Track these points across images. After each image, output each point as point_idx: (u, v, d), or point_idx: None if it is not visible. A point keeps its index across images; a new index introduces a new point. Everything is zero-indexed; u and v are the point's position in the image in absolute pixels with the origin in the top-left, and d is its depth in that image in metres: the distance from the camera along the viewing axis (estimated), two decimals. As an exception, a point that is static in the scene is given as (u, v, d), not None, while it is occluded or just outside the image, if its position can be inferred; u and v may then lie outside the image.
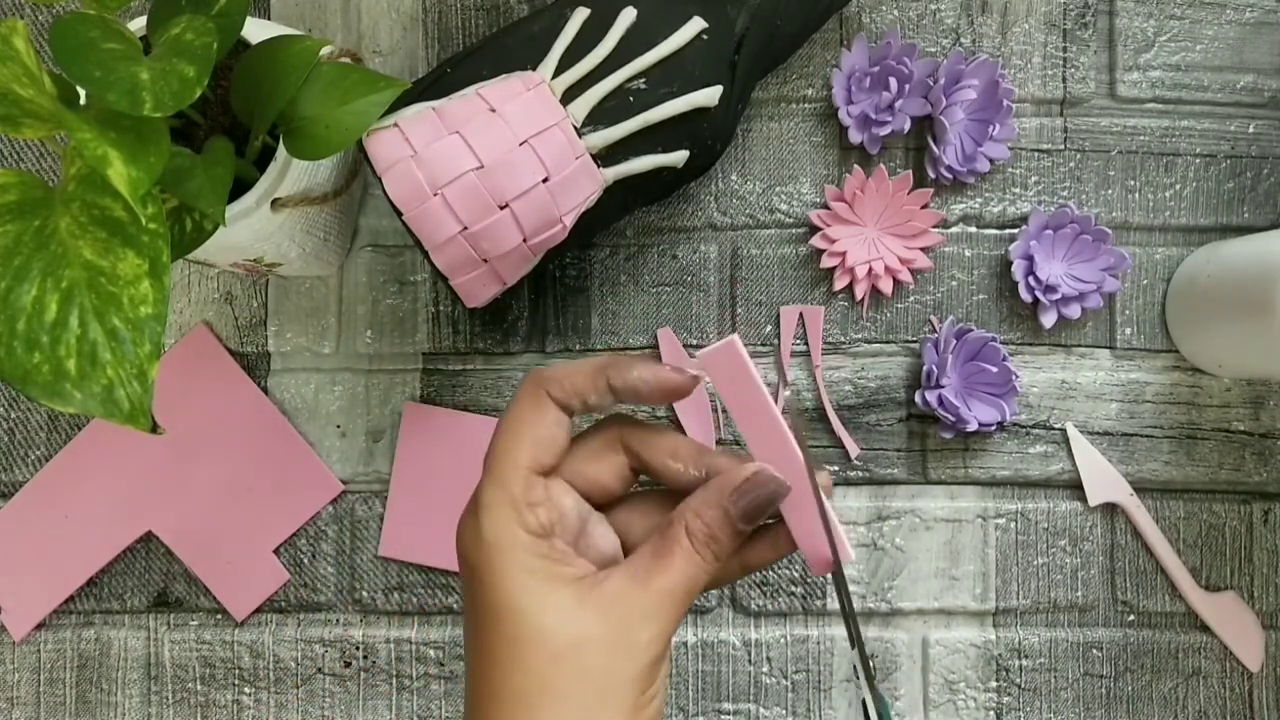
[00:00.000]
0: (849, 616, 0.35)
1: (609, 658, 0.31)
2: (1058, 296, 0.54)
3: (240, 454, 0.55)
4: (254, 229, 0.44)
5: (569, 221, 0.47)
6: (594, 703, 0.31)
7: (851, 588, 0.56)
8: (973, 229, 0.56)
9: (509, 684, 0.31)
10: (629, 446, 0.35)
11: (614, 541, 0.35)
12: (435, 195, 0.44)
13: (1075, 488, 0.56)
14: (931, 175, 0.55)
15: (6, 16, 0.56)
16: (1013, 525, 0.56)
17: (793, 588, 0.55)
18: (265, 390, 0.55)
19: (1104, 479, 0.56)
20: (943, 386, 0.53)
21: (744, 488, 0.33)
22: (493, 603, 0.32)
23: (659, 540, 0.33)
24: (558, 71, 0.46)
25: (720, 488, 0.33)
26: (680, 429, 0.55)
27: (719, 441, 0.55)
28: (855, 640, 0.35)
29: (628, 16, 0.46)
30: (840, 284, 0.55)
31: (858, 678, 0.35)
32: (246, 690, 0.55)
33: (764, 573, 0.55)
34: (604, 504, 0.36)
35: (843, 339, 0.56)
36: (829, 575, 0.36)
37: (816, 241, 0.55)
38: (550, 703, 0.31)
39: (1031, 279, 0.55)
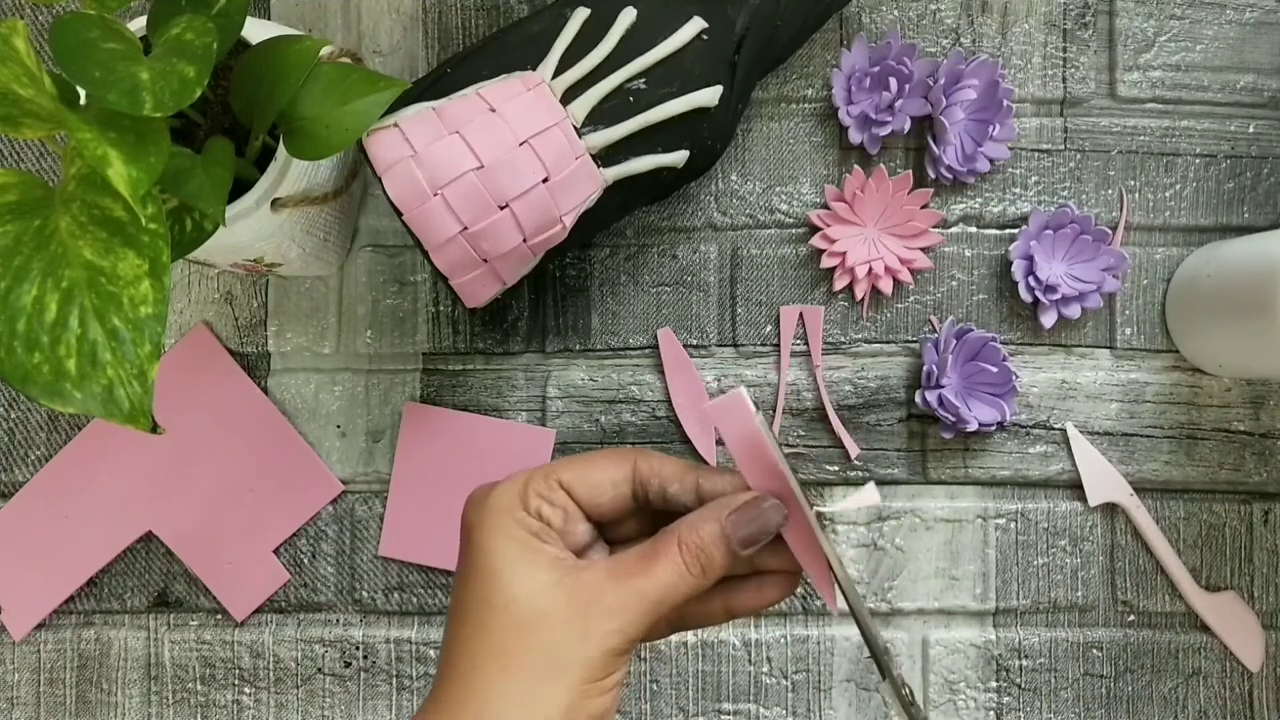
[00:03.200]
0: (874, 650, 0.35)
1: (565, 636, 0.32)
2: (1058, 296, 0.54)
3: (240, 454, 0.55)
4: (254, 229, 0.44)
5: (569, 221, 0.47)
6: (542, 675, 0.32)
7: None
8: (973, 229, 0.56)
9: (471, 642, 0.32)
10: (637, 467, 0.36)
11: (600, 541, 0.37)
12: (435, 195, 0.44)
13: (1075, 488, 0.56)
14: (931, 175, 0.55)
15: (6, 16, 0.56)
16: (1013, 525, 0.56)
17: (793, 588, 0.55)
18: (265, 390, 0.55)
19: (1104, 479, 0.56)
20: (943, 386, 0.53)
21: (743, 509, 0.34)
22: (475, 562, 0.33)
23: (648, 545, 0.34)
24: (558, 71, 0.46)
25: (720, 505, 0.34)
26: (679, 428, 0.55)
27: (719, 442, 0.55)
28: (885, 672, 0.35)
29: (628, 16, 0.46)
30: (840, 284, 0.55)
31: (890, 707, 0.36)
32: (246, 690, 0.55)
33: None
34: (599, 521, 0.37)
35: (843, 339, 0.56)
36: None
37: (816, 241, 0.55)
38: (501, 667, 0.32)
39: (1031, 279, 0.55)
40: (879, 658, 0.35)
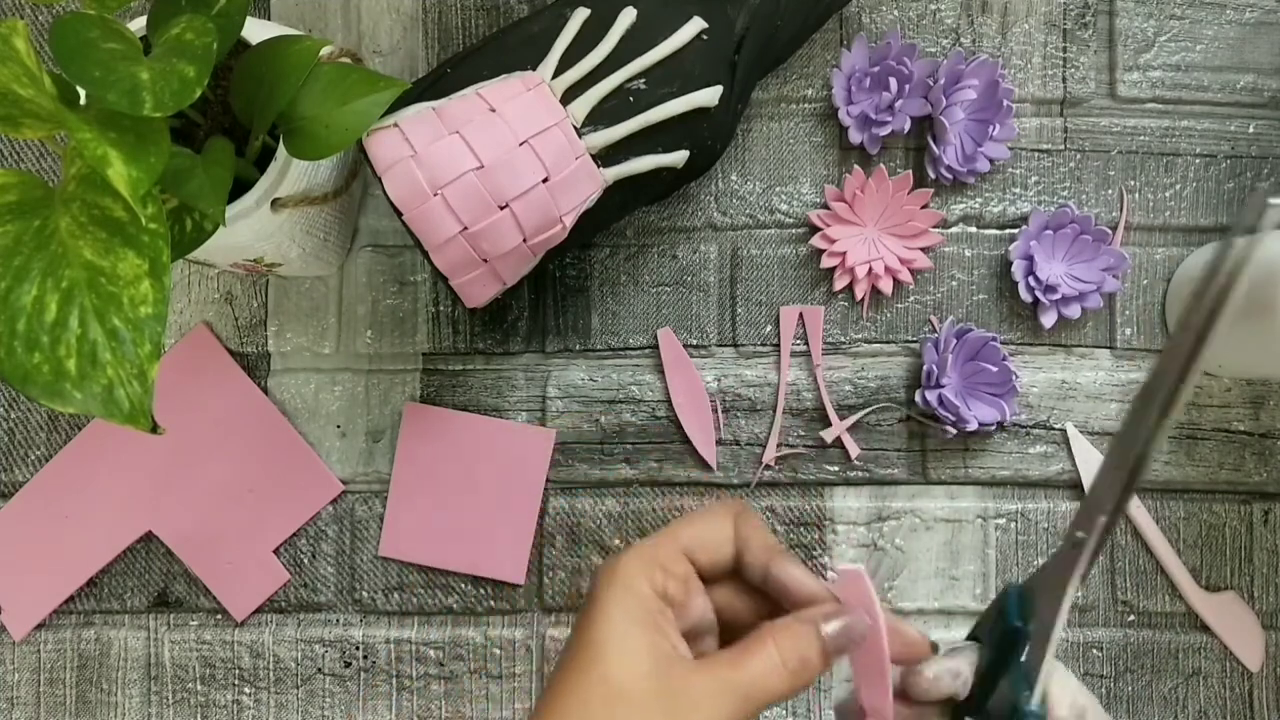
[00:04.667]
0: None
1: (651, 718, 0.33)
2: (1058, 296, 0.54)
3: (240, 454, 0.55)
4: (254, 229, 0.44)
5: (569, 221, 0.47)
6: None
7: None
8: (973, 229, 0.56)
9: (563, 707, 0.33)
10: (737, 526, 0.37)
11: (713, 623, 0.37)
12: (435, 195, 0.44)
13: (1075, 488, 0.56)
14: (931, 175, 0.55)
15: (6, 16, 0.56)
16: (1013, 525, 0.56)
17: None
18: (265, 390, 0.55)
19: (1104, 479, 0.56)
20: (943, 386, 0.53)
21: (832, 613, 0.35)
22: (589, 632, 0.34)
23: (744, 641, 0.34)
24: (558, 71, 0.46)
25: (814, 611, 0.35)
26: (680, 428, 0.55)
27: (719, 442, 0.55)
28: None
29: (628, 17, 0.46)
30: (840, 284, 0.55)
31: None
32: (246, 690, 0.55)
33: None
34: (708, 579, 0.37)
35: (843, 339, 0.56)
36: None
37: (816, 241, 0.55)
38: None
39: (1031, 279, 0.55)
40: None
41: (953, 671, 0.35)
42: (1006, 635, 0.35)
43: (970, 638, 0.37)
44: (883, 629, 0.35)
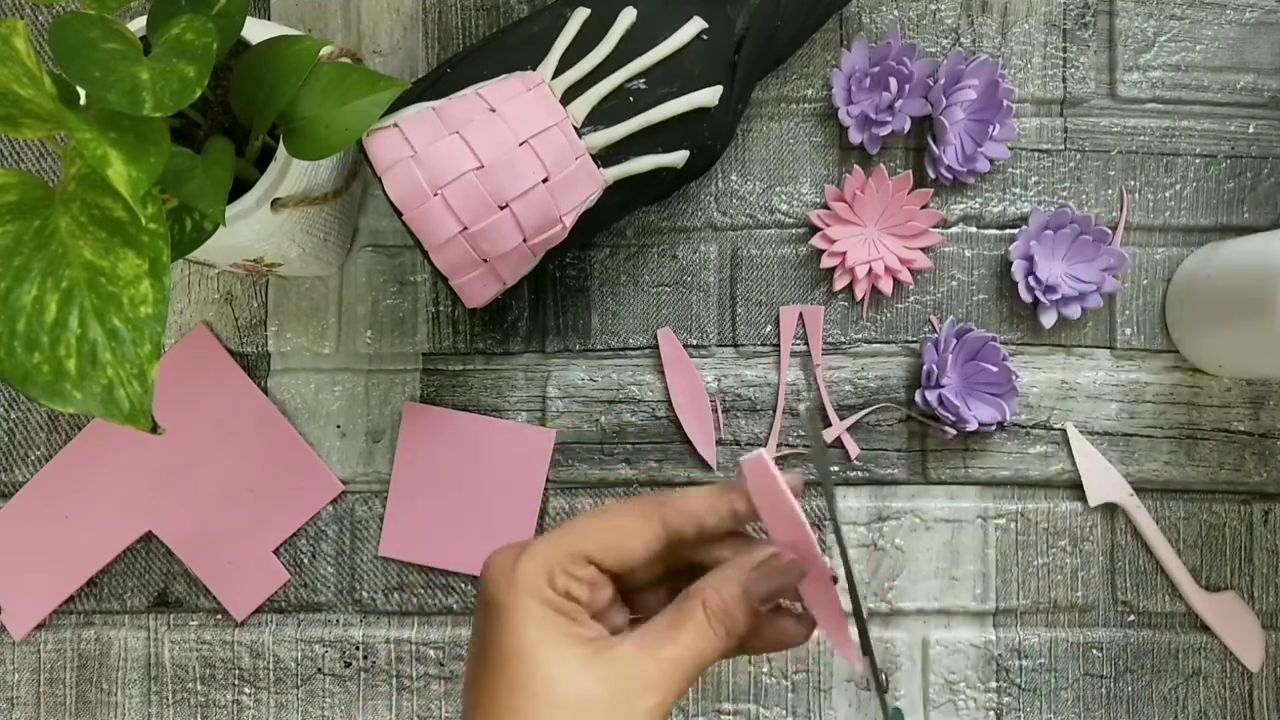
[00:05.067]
0: (877, 686, 0.36)
1: (606, 717, 0.32)
2: (1058, 296, 0.54)
3: (240, 454, 0.55)
4: (254, 229, 0.44)
5: (569, 221, 0.47)
6: None
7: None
8: (973, 229, 0.56)
9: None
10: (667, 522, 0.35)
11: (624, 614, 0.37)
12: (435, 195, 0.44)
13: (1075, 488, 0.56)
14: (931, 175, 0.55)
15: (6, 16, 0.56)
16: (1013, 525, 0.56)
17: (793, 588, 0.55)
18: (265, 390, 0.55)
19: (1104, 479, 0.56)
20: (943, 386, 0.53)
21: (763, 568, 0.34)
22: (504, 645, 0.33)
23: (674, 612, 0.34)
24: (558, 71, 0.46)
25: (740, 565, 0.34)
26: (680, 428, 0.55)
27: (719, 442, 0.55)
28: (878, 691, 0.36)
29: (628, 17, 0.46)
30: (840, 284, 0.55)
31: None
32: (246, 690, 0.55)
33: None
34: (626, 584, 0.37)
35: (843, 339, 0.56)
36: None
37: (816, 242, 0.55)
38: None
39: (1031, 279, 0.55)
40: (878, 689, 0.36)
41: None
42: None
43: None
44: (800, 515, 0.34)
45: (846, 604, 0.35)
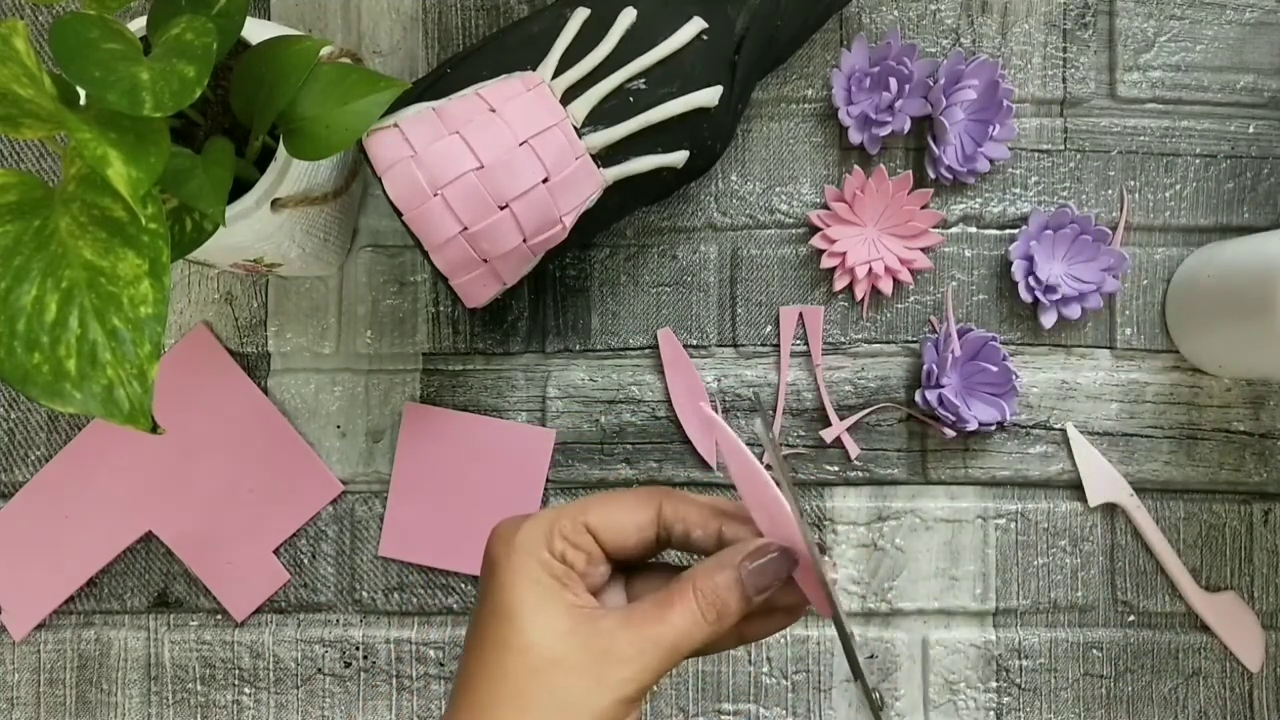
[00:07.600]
0: (853, 661, 0.36)
1: (579, 683, 0.32)
2: (1058, 297, 0.54)
3: (240, 454, 0.55)
4: (254, 229, 0.44)
5: (569, 221, 0.47)
6: None
7: (852, 588, 0.56)
8: (973, 229, 0.56)
9: (486, 684, 0.33)
10: (663, 511, 0.36)
11: (623, 600, 0.37)
12: (435, 195, 0.44)
13: (1075, 488, 0.56)
14: (931, 175, 0.55)
15: (6, 16, 0.56)
16: (1013, 525, 0.56)
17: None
18: (265, 390, 0.55)
19: (1104, 479, 0.56)
20: (943, 386, 0.53)
21: (757, 558, 0.34)
22: (497, 602, 0.34)
23: (665, 592, 0.34)
24: (558, 72, 0.46)
25: (735, 552, 0.34)
26: (679, 428, 0.55)
27: (719, 442, 0.55)
28: (857, 675, 0.36)
29: (628, 17, 0.46)
30: (840, 284, 0.55)
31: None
32: (246, 690, 0.55)
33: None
34: (622, 563, 0.37)
35: (843, 339, 0.56)
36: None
37: (816, 242, 0.55)
38: (516, 708, 0.32)
39: (1031, 279, 0.55)
40: (856, 666, 0.36)
41: None
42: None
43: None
44: (763, 475, 0.34)
45: (843, 603, 0.35)
